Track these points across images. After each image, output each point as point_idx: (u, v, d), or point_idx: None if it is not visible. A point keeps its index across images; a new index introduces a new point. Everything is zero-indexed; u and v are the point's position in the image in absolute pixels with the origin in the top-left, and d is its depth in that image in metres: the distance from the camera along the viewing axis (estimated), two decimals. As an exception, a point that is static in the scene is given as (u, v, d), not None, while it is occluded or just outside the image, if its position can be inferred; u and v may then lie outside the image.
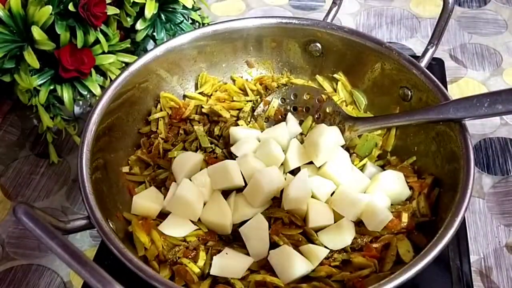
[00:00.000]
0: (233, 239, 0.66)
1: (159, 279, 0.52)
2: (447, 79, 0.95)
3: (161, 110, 0.77)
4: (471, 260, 0.70)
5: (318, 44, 0.79)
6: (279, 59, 0.83)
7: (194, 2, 0.91)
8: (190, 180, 0.66)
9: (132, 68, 0.71)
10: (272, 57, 0.83)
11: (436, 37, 0.74)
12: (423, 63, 0.73)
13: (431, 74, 0.69)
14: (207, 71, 0.81)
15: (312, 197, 0.66)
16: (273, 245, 0.62)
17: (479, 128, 0.87)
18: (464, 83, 0.96)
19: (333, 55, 0.79)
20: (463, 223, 0.72)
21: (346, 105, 0.79)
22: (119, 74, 0.70)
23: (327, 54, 0.80)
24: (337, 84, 0.80)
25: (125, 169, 0.72)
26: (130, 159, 0.73)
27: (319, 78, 0.82)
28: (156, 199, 0.67)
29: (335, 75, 0.80)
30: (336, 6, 0.82)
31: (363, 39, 0.75)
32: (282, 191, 0.66)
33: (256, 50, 0.82)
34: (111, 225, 0.58)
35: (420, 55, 0.76)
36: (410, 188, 0.68)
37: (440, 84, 0.67)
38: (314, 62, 0.82)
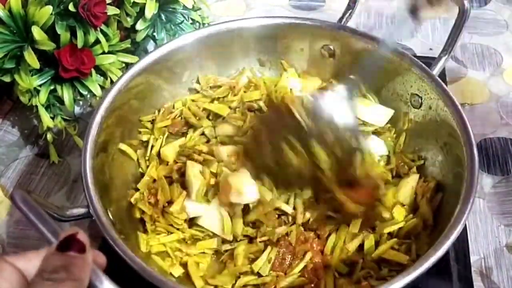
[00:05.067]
0: None
1: (148, 272, 0.52)
2: (447, 79, 0.94)
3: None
4: (471, 260, 0.70)
5: (331, 47, 0.79)
6: (291, 60, 0.83)
7: (195, 2, 0.91)
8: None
9: (133, 70, 0.72)
10: (284, 58, 0.83)
11: (449, 45, 0.74)
12: (435, 71, 0.73)
13: (442, 82, 0.69)
14: (217, 70, 0.82)
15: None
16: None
17: (479, 128, 0.87)
18: (464, 83, 0.96)
19: (346, 58, 0.79)
20: (463, 223, 0.72)
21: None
22: (122, 75, 0.71)
23: (339, 57, 0.80)
24: None
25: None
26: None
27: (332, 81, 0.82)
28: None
29: (351, 77, 0.79)
30: (351, 9, 0.82)
31: (376, 43, 0.75)
32: None
33: (268, 50, 0.82)
34: (110, 217, 0.59)
35: (420, 55, 0.76)
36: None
37: (450, 93, 0.68)
38: (326, 64, 0.82)
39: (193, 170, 0.68)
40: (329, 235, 0.66)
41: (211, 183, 0.67)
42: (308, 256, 0.63)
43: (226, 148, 0.70)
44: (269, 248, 0.64)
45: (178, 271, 0.63)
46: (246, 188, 0.64)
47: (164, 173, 0.71)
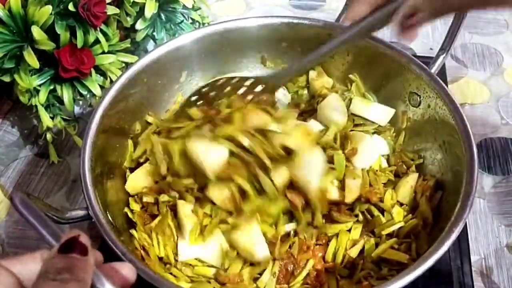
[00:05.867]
0: None
1: (147, 273, 0.52)
2: (448, 79, 0.94)
3: None
4: (472, 260, 0.70)
5: None
6: (290, 59, 0.83)
7: (194, 2, 0.91)
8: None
9: (133, 69, 0.72)
10: (282, 57, 0.83)
11: (448, 43, 0.74)
12: (434, 69, 0.73)
13: (440, 81, 0.69)
14: (216, 70, 0.82)
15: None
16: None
17: (479, 128, 0.87)
18: (464, 83, 0.96)
19: (345, 57, 0.79)
20: (463, 223, 0.72)
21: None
22: (121, 75, 0.71)
23: (338, 56, 0.80)
24: (351, 84, 0.80)
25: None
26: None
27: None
28: (151, 174, 0.68)
29: (350, 76, 0.80)
30: None
31: (374, 42, 0.75)
32: None
33: (267, 49, 0.82)
34: (110, 218, 0.59)
35: (421, 55, 0.76)
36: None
37: (448, 91, 0.68)
38: (325, 63, 0.82)
39: (184, 210, 0.63)
40: (330, 240, 0.65)
41: (204, 223, 0.63)
42: (310, 264, 0.62)
43: (218, 193, 0.63)
44: (271, 262, 0.62)
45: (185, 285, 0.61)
46: (257, 247, 0.61)
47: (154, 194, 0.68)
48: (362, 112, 0.75)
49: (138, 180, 0.69)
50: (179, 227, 0.64)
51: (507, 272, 0.69)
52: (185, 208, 0.63)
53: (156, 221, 0.65)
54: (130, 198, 0.69)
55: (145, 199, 0.67)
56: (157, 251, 0.63)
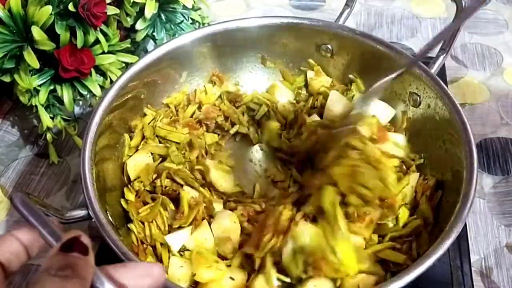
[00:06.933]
0: None
1: None
2: (448, 79, 0.94)
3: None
4: (472, 260, 0.70)
5: (329, 46, 0.79)
6: (290, 59, 0.83)
7: (194, 2, 0.91)
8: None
9: (133, 70, 0.72)
10: (283, 57, 0.83)
11: (448, 43, 0.74)
12: (433, 69, 0.73)
13: (440, 81, 0.69)
14: (218, 69, 0.82)
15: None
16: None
17: (479, 128, 0.87)
18: (464, 83, 0.96)
19: (344, 57, 0.79)
20: (463, 223, 0.72)
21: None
22: (121, 75, 0.71)
23: (338, 56, 0.80)
24: (351, 84, 0.80)
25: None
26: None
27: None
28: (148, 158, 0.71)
29: (350, 75, 0.80)
30: (349, 8, 0.82)
31: (374, 42, 0.75)
32: None
33: (267, 49, 0.82)
34: (110, 218, 0.59)
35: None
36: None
37: (448, 91, 0.68)
38: (325, 63, 0.82)
39: (188, 198, 0.66)
40: None
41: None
42: None
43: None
44: None
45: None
46: None
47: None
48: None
49: (139, 161, 0.71)
50: (177, 211, 0.66)
51: (507, 272, 0.69)
52: (189, 195, 0.66)
53: (146, 207, 0.66)
54: (125, 188, 0.69)
55: (136, 184, 0.69)
56: (149, 238, 0.65)
